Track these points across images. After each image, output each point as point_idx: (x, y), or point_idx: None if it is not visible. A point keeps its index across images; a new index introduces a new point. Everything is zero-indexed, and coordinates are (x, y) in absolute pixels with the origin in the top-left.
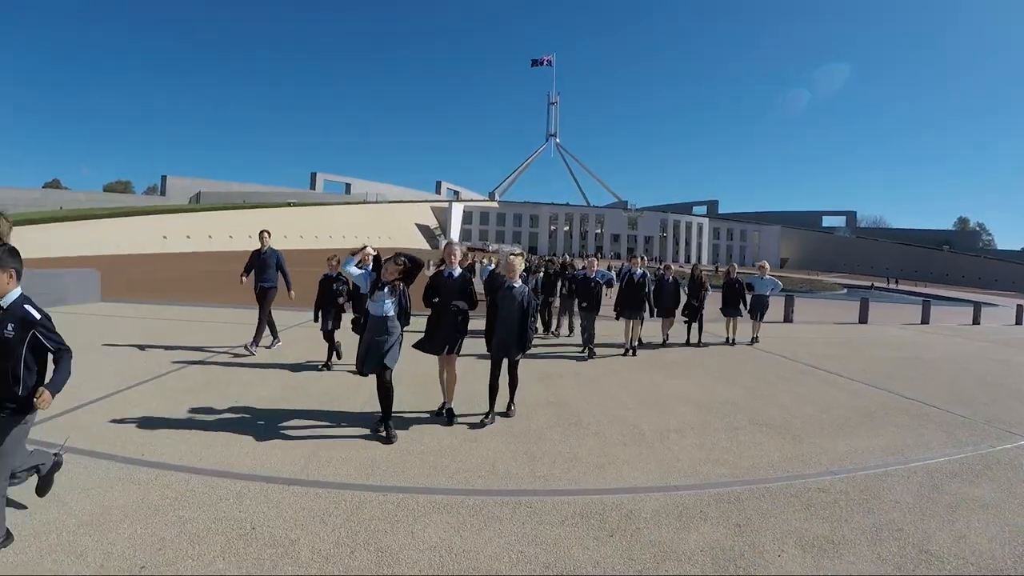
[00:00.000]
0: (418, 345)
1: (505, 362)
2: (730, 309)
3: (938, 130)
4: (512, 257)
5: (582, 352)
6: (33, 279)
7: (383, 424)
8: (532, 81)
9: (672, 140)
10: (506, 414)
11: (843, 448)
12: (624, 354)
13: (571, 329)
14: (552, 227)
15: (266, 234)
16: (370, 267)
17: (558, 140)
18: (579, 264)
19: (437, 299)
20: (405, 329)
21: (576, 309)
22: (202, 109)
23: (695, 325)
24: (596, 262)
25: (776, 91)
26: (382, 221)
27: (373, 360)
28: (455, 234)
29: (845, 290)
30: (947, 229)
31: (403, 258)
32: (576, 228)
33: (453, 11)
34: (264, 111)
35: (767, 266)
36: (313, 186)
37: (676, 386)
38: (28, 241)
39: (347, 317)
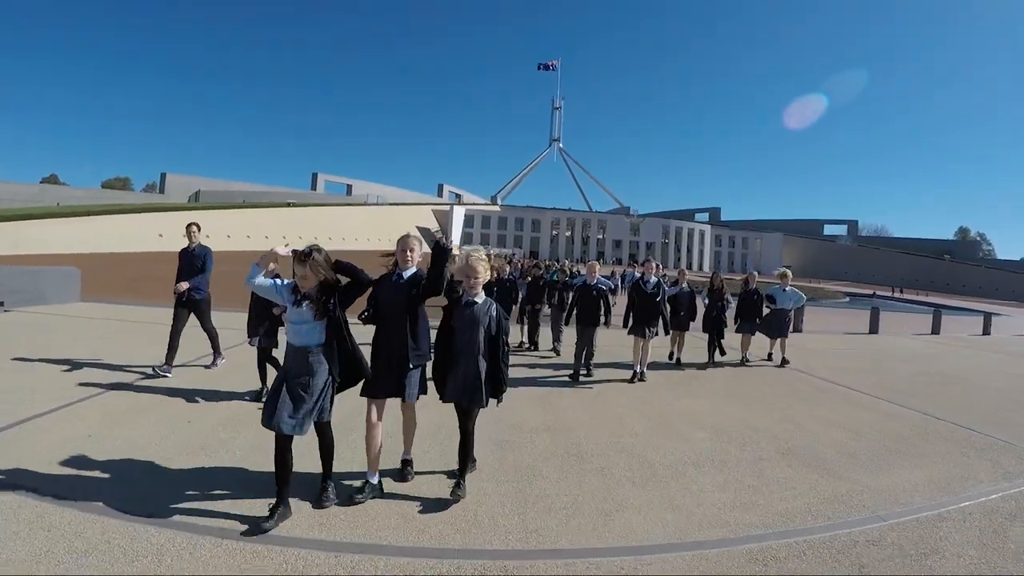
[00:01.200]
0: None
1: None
2: (747, 324)
3: (937, 139)
4: (474, 257)
5: (574, 375)
6: (12, 276)
7: (321, 483)
8: (536, 85)
9: (675, 147)
10: (452, 493)
11: (885, 484)
12: (631, 380)
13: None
14: (554, 232)
15: (195, 228)
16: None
17: (561, 145)
18: (580, 271)
19: (371, 312)
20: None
21: (563, 326)
22: (204, 108)
23: (712, 341)
24: (598, 266)
25: (775, 99)
26: (382, 223)
27: (279, 410)
28: (456, 237)
29: (848, 298)
30: (948, 239)
31: (307, 251)
32: (578, 233)
33: (457, 14)
34: (267, 111)
35: (789, 275)
36: (314, 187)
37: (688, 408)
38: (24, 237)
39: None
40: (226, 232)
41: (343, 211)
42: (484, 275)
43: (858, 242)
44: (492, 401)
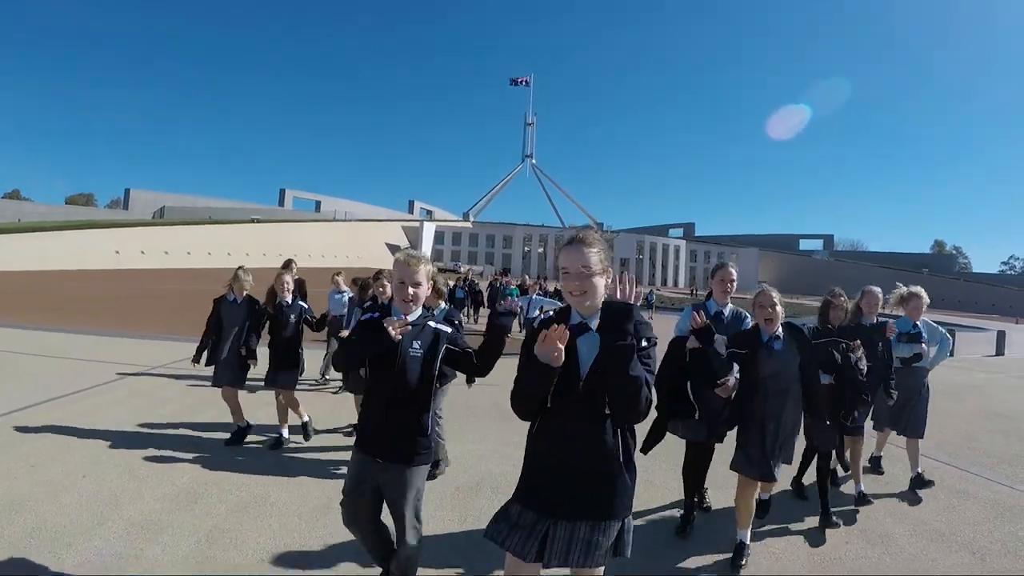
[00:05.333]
0: None
1: None
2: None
3: (912, 152)
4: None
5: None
6: None
7: None
8: (510, 101)
9: (648, 162)
10: None
11: None
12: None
13: None
14: (526, 248)
15: None
16: None
17: (534, 161)
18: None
19: None
20: None
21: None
22: (170, 122)
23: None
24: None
25: (750, 113)
26: (351, 240)
27: None
28: (426, 254)
29: None
30: (924, 252)
31: None
32: (551, 249)
33: (430, 29)
34: (236, 126)
35: (925, 298)
36: (282, 203)
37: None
38: None
39: None
40: (187, 249)
41: (310, 227)
42: None
43: (834, 256)
44: None
